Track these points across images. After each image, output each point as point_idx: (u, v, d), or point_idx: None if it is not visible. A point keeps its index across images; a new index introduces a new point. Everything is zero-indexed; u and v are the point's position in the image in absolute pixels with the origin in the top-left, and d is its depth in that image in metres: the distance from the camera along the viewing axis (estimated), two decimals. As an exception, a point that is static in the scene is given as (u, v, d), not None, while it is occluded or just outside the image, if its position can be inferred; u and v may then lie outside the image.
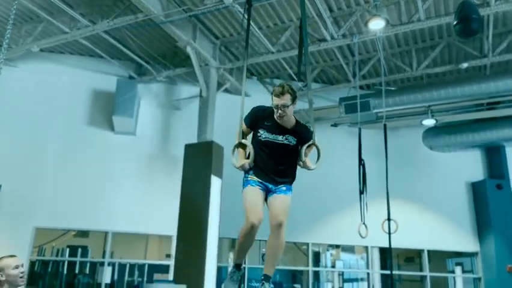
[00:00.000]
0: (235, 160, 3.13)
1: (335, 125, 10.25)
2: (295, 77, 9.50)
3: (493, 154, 10.73)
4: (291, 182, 3.21)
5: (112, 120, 8.78)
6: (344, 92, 9.64)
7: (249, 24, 3.84)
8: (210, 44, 8.56)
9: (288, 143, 3.13)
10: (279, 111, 3.04)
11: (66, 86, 9.03)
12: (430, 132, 10.26)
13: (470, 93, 8.32)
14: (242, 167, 3.12)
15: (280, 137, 3.12)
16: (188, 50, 7.90)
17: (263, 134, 3.13)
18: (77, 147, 8.78)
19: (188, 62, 8.58)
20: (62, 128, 8.83)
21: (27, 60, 8.87)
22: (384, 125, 6.94)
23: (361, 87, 9.88)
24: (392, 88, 9.72)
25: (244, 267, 9.15)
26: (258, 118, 3.19)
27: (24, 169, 8.38)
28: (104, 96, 9.11)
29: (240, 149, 3.15)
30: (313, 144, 3.12)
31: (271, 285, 3.02)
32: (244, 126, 3.23)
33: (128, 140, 9.04)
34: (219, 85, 9.00)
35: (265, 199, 3.14)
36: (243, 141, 3.14)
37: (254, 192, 3.05)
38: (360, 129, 7.18)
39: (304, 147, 3.11)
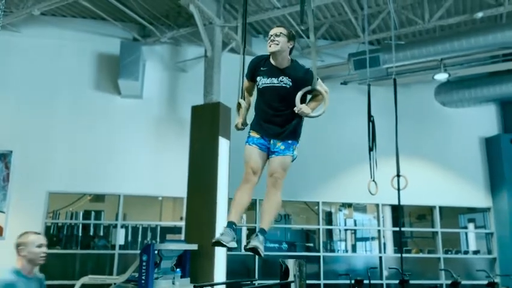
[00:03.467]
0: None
1: (344, 83, 10.03)
2: (303, 35, 9.24)
3: (508, 108, 10.47)
4: (291, 137, 2.99)
5: (118, 84, 8.70)
6: (353, 48, 9.38)
7: None
8: (214, 2, 8.29)
9: (284, 85, 2.93)
10: (271, 39, 2.93)
11: (70, 50, 8.93)
12: (443, 87, 10.00)
13: (485, 43, 7.98)
14: (236, 126, 3.14)
15: (275, 80, 2.96)
16: (191, 8, 7.67)
17: (260, 81, 3.02)
18: (85, 111, 8.77)
19: (192, 22, 8.36)
20: (69, 92, 8.79)
21: (30, 24, 8.75)
22: (394, 80, 6.74)
23: (371, 43, 9.60)
24: (402, 42, 9.39)
25: (255, 227, 9.26)
26: (255, 66, 3.09)
27: (34, 135, 8.44)
28: (108, 59, 9.00)
29: (241, 109, 3.14)
30: (314, 89, 2.91)
31: (263, 238, 2.84)
32: (246, 82, 3.19)
33: (135, 103, 8.99)
34: (224, 45, 8.79)
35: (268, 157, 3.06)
36: (240, 100, 3.13)
37: (250, 150, 3.02)
38: (369, 85, 6.99)
39: (301, 93, 2.88)
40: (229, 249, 2.98)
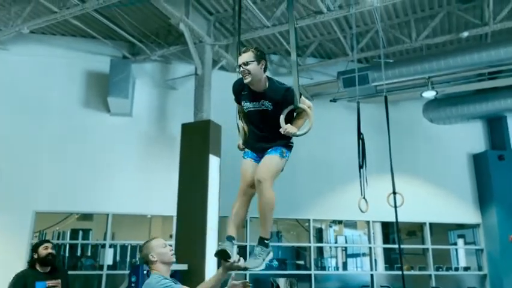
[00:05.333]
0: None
1: (334, 100, 10.11)
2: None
3: (494, 125, 10.62)
4: (279, 145, 2.96)
5: (108, 102, 8.66)
6: (342, 66, 9.48)
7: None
8: (204, 20, 8.36)
9: (265, 108, 2.93)
10: (241, 69, 2.89)
11: (59, 68, 8.87)
12: (431, 104, 10.13)
13: (470, 62, 8.13)
14: (238, 147, 3.16)
15: (257, 104, 2.96)
16: (182, 27, 7.70)
17: (244, 106, 3.04)
18: (73, 129, 8.69)
19: (182, 40, 8.40)
20: (58, 110, 8.72)
21: (19, 42, 8.69)
22: (385, 97, 6.81)
23: (360, 61, 9.72)
24: (391, 60, 9.54)
25: (246, 245, 9.17)
26: (237, 92, 3.09)
27: (21, 153, 8.32)
28: (98, 77, 8.97)
29: (240, 130, 3.18)
30: (296, 107, 2.86)
31: (266, 249, 2.84)
32: (238, 105, 3.19)
33: (125, 121, 8.93)
34: (215, 63, 8.84)
35: None
36: (238, 122, 3.17)
37: (246, 163, 3.02)
38: (358, 103, 7.05)
39: (283, 115, 2.85)
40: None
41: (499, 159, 10.17)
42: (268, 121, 2.95)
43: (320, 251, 10.15)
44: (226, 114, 8.50)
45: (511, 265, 9.45)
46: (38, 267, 4.20)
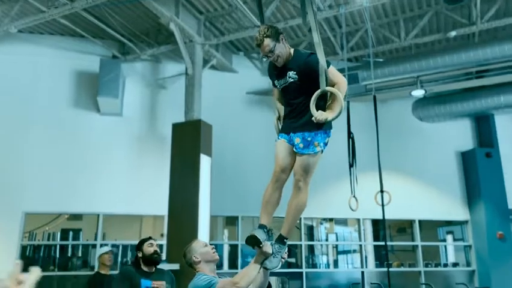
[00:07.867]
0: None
1: (324, 99, 10.15)
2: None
3: (482, 123, 10.76)
4: (307, 128, 2.72)
5: (97, 102, 8.61)
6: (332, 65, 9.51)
7: None
8: (194, 20, 8.35)
9: (292, 80, 2.79)
10: (270, 58, 2.82)
11: (48, 68, 8.80)
12: (420, 103, 10.24)
13: (458, 61, 8.24)
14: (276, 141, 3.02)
15: (286, 78, 2.84)
16: (172, 26, 7.70)
17: (278, 84, 2.92)
18: (63, 130, 8.63)
19: (172, 39, 8.38)
20: (47, 110, 8.65)
21: (7, 42, 8.61)
22: (374, 97, 6.85)
23: (349, 60, 9.78)
24: (380, 59, 9.61)
25: (237, 244, 9.18)
26: (270, 72, 3.01)
27: (10, 153, 8.25)
28: (87, 77, 8.91)
29: (276, 123, 3.03)
30: (324, 91, 2.63)
31: (283, 246, 2.80)
32: (274, 91, 3.08)
33: (115, 120, 8.89)
34: (205, 62, 8.83)
35: None
36: (274, 117, 3.04)
37: (279, 145, 2.87)
38: (348, 102, 7.09)
39: (313, 100, 2.62)
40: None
41: (486, 157, 10.31)
42: (297, 93, 2.79)
43: (311, 248, 10.20)
44: (216, 113, 8.62)
45: (499, 261, 9.61)
46: (143, 267, 3.81)
